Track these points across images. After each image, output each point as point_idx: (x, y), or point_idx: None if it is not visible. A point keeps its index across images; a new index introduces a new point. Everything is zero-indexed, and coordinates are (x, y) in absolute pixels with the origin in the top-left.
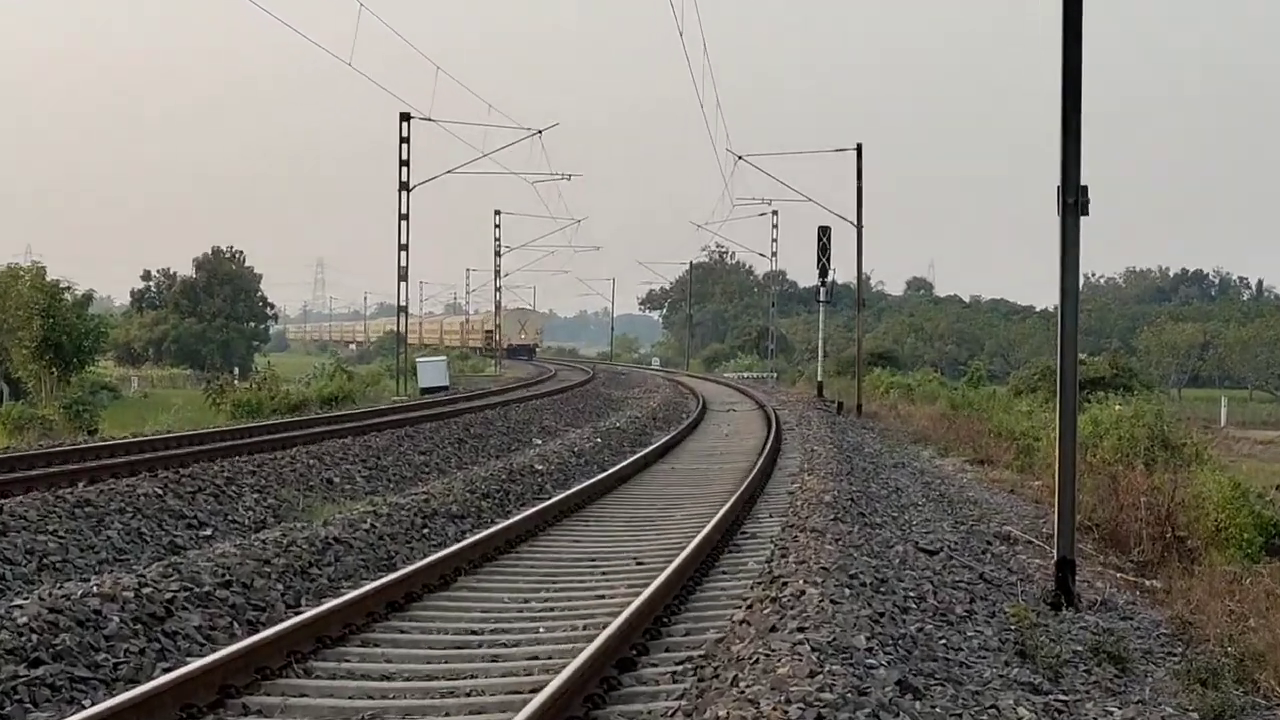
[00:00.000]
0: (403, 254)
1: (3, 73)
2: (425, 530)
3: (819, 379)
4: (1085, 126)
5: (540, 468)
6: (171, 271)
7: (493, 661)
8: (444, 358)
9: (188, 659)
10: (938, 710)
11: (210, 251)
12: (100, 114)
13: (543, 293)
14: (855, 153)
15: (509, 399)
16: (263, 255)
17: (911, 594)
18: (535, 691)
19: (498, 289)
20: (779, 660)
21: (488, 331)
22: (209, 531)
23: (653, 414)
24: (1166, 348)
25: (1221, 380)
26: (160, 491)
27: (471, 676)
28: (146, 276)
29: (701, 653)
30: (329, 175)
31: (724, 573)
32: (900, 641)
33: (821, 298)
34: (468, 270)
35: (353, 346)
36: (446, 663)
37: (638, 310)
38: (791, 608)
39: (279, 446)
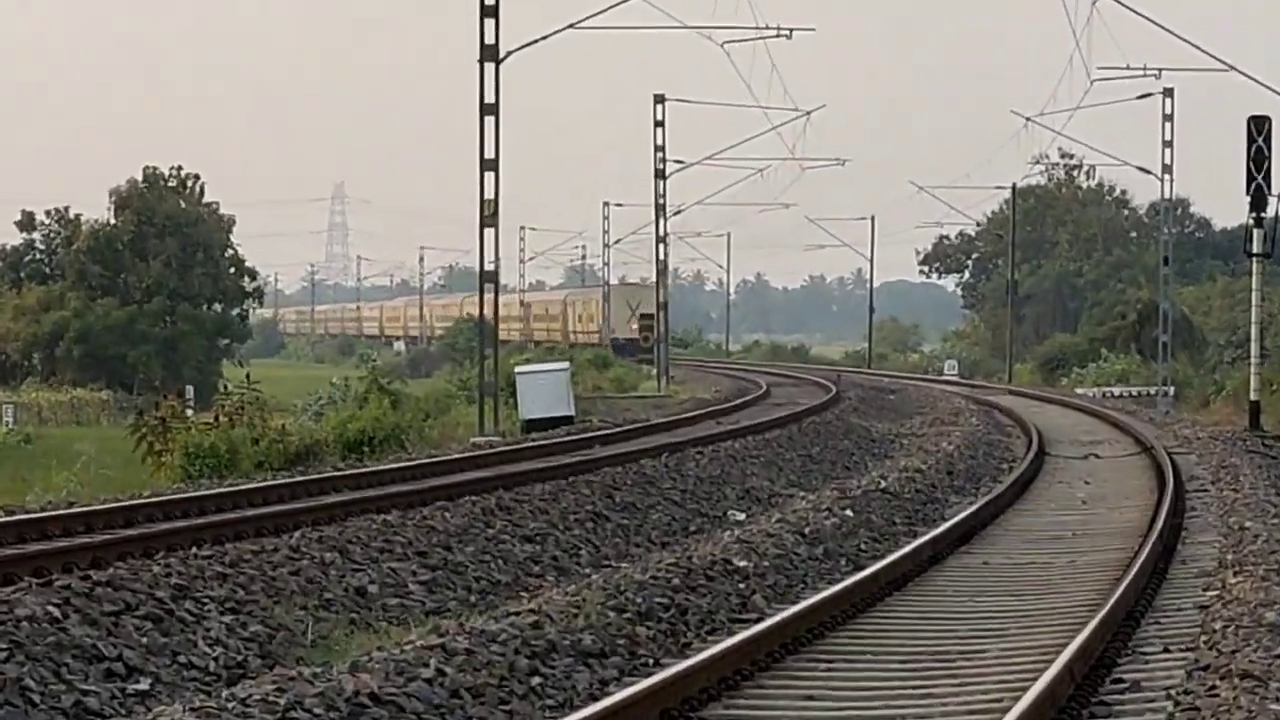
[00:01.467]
0: (487, 178)
1: None
2: (535, 682)
3: (1254, 397)
4: None
5: (742, 563)
6: (71, 213)
7: None
8: (565, 365)
9: None
10: None
11: (141, 178)
12: None
13: (748, 247)
14: None
15: (682, 437)
16: (238, 188)
17: None
18: None
19: (662, 240)
20: None
21: (593, 321)
22: (144, 684)
23: (947, 463)
24: None
25: None
26: (57, 613)
27: None
28: (26, 224)
29: None
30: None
31: None
32: None
33: (1257, 248)
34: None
35: (400, 346)
36: None
37: (916, 275)
38: None
39: (270, 529)
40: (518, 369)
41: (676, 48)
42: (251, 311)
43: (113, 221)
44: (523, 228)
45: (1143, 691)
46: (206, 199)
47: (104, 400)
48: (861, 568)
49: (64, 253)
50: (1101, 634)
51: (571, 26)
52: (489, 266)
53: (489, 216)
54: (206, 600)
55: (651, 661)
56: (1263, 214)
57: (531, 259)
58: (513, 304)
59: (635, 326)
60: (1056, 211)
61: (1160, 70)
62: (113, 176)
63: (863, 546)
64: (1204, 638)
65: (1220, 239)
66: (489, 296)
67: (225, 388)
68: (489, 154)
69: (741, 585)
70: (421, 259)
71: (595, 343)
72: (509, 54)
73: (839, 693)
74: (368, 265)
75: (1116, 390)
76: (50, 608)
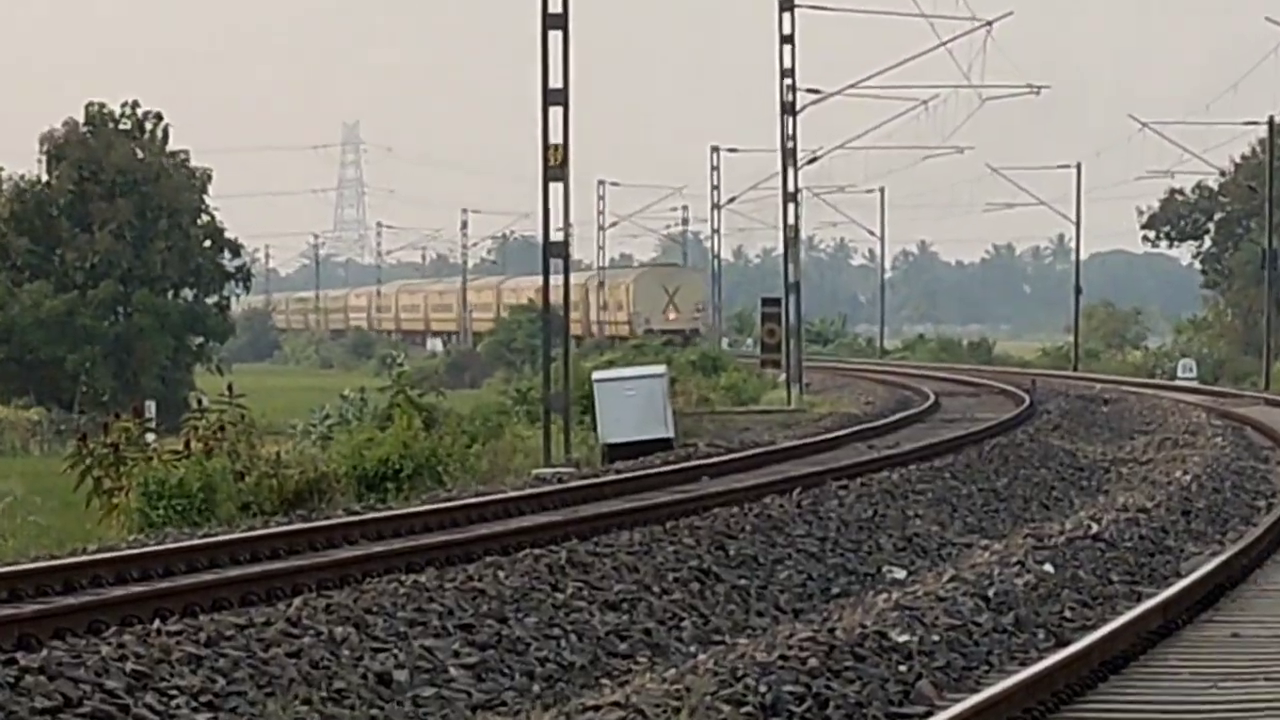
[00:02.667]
0: (552, 116)
1: None
2: None
3: None
4: None
5: (903, 638)
6: None
7: None
8: (661, 370)
9: None
10: None
11: (82, 119)
12: None
13: (907, 207)
14: None
15: (821, 467)
16: (214, 131)
17: None
18: None
19: (792, 198)
20: None
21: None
22: None
23: (1182, 499)
24: None
25: None
26: None
27: None
28: None
29: None
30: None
31: None
32: None
33: None
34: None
35: (435, 345)
36: None
37: (1138, 243)
38: None
39: (260, 595)
40: (596, 375)
41: None
42: (234, 300)
43: (44, 178)
44: (601, 183)
45: None
46: (171, 146)
47: (33, 421)
48: (1065, 643)
49: None
50: None
51: None
52: (555, 235)
53: (555, 167)
54: (174, 693)
55: None
56: None
57: (613, 224)
58: (525, 288)
59: (673, 316)
60: None
61: None
62: (44, 117)
63: (1067, 614)
64: None
65: None
66: (557, 276)
67: (199, 403)
68: (554, 82)
69: (902, 667)
70: (464, 226)
71: (626, 335)
72: None
73: None
74: (391, 235)
75: None
76: None
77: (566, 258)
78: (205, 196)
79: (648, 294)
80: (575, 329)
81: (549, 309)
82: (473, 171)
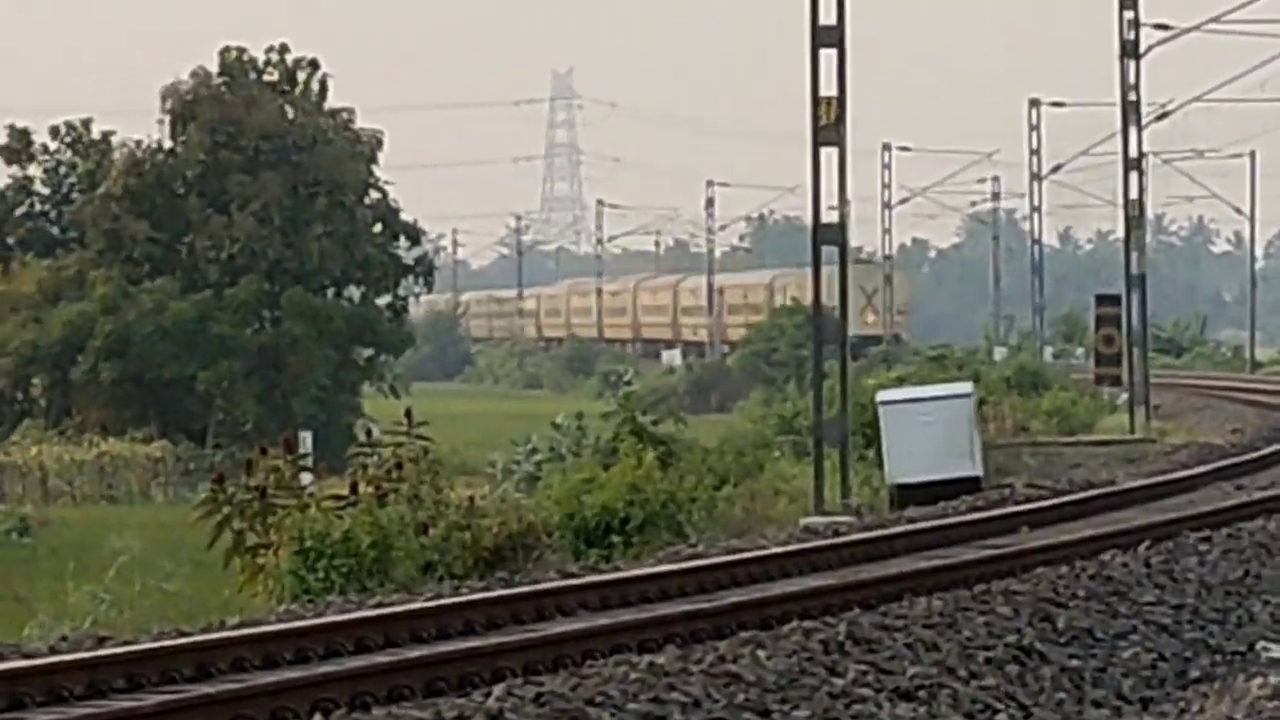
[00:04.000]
0: (823, 61)
1: None
2: None
3: None
4: None
5: None
6: (96, 131)
7: None
8: (966, 388)
9: None
10: None
11: (216, 69)
12: None
13: None
14: None
15: (1174, 513)
16: (386, 86)
17: None
18: None
19: (1134, 166)
20: None
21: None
22: None
23: None
24: None
25: None
26: None
27: None
28: (16, 151)
29: None
30: None
31: None
32: None
33: None
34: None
35: (672, 357)
36: None
37: None
38: None
39: (451, 681)
40: (882, 396)
41: None
42: (413, 301)
43: (168, 143)
44: (887, 148)
45: None
46: (330, 103)
47: (155, 458)
48: None
49: (84, 200)
50: None
51: None
52: (827, 214)
53: (827, 127)
54: None
55: None
56: None
57: (903, 201)
58: (660, 291)
59: (871, 319)
60: None
61: None
62: (168, 67)
63: None
64: None
65: None
66: (830, 267)
67: (369, 434)
68: (826, 18)
69: None
70: (710, 204)
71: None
72: None
73: None
74: (615, 217)
75: None
76: None
77: (844, 244)
78: (374, 167)
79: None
80: (689, 328)
81: (820, 310)
82: (720, 133)
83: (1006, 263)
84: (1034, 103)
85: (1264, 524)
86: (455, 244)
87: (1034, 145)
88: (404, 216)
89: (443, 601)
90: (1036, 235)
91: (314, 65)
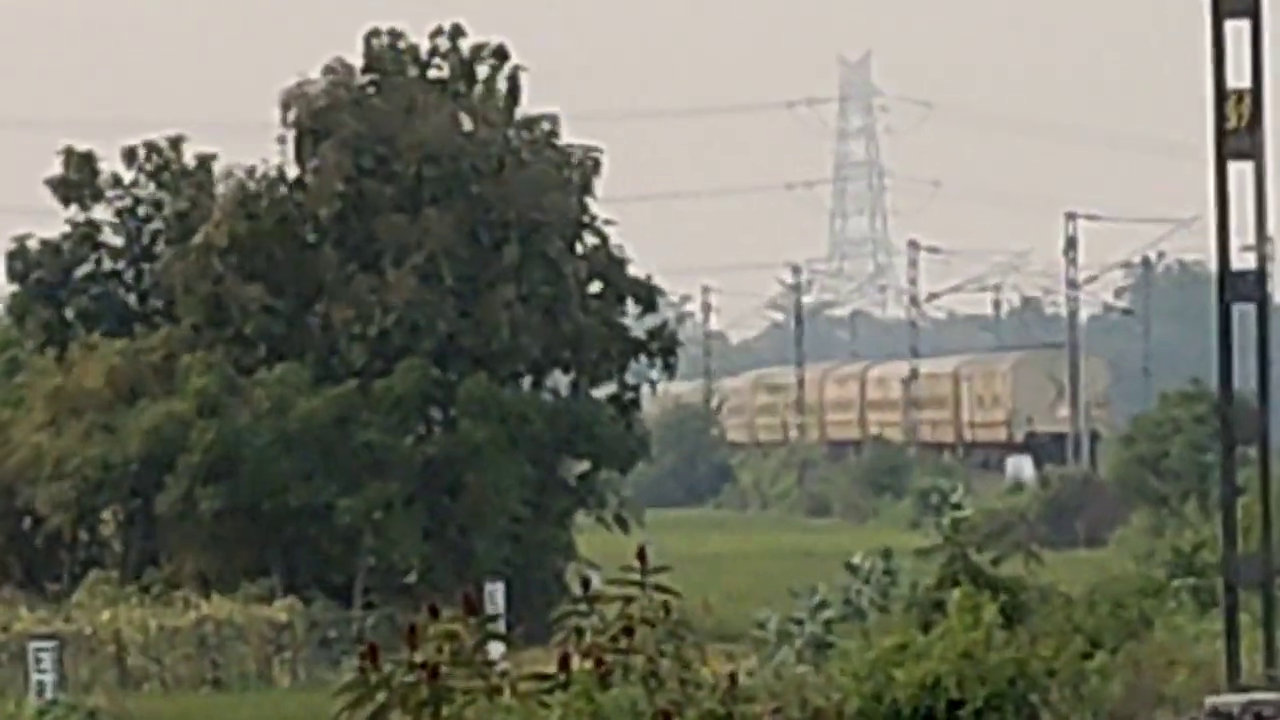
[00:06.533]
0: (1230, 34)
1: None
2: None
3: None
4: None
5: None
6: (189, 155)
7: None
8: None
9: None
10: None
11: (361, 59)
12: None
13: None
14: None
15: None
16: (593, 84)
17: None
18: None
19: None
20: None
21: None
22: None
23: None
24: None
25: None
26: None
27: None
28: (81, 171)
29: None
30: None
31: None
32: None
33: None
34: None
35: (1020, 465)
36: None
37: None
38: None
39: None
40: None
41: None
42: (649, 392)
43: (292, 171)
44: None
45: None
46: (524, 111)
47: (278, 623)
48: None
49: (173, 254)
50: None
51: None
52: (1241, 260)
53: (1236, 133)
54: None
55: None
56: None
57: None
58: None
59: (1064, 414)
60: None
61: None
62: (290, 63)
63: None
64: None
65: None
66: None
67: (585, 584)
68: None
69: None
70: (1071, 247)
71: (1002, 440)
72: None
73: None
74: (935, 266)
75: None
76: None
77: (1264, 300)
78: (590, 201)
79: (1030, 384)
80: (936, 433)
81: (1229, 398)
82: (1084, 144)
83: None
84: None
85: None
86: (707, 309)
87: None
88: (633, 271)
89: None
90: None
91: (500, 55)
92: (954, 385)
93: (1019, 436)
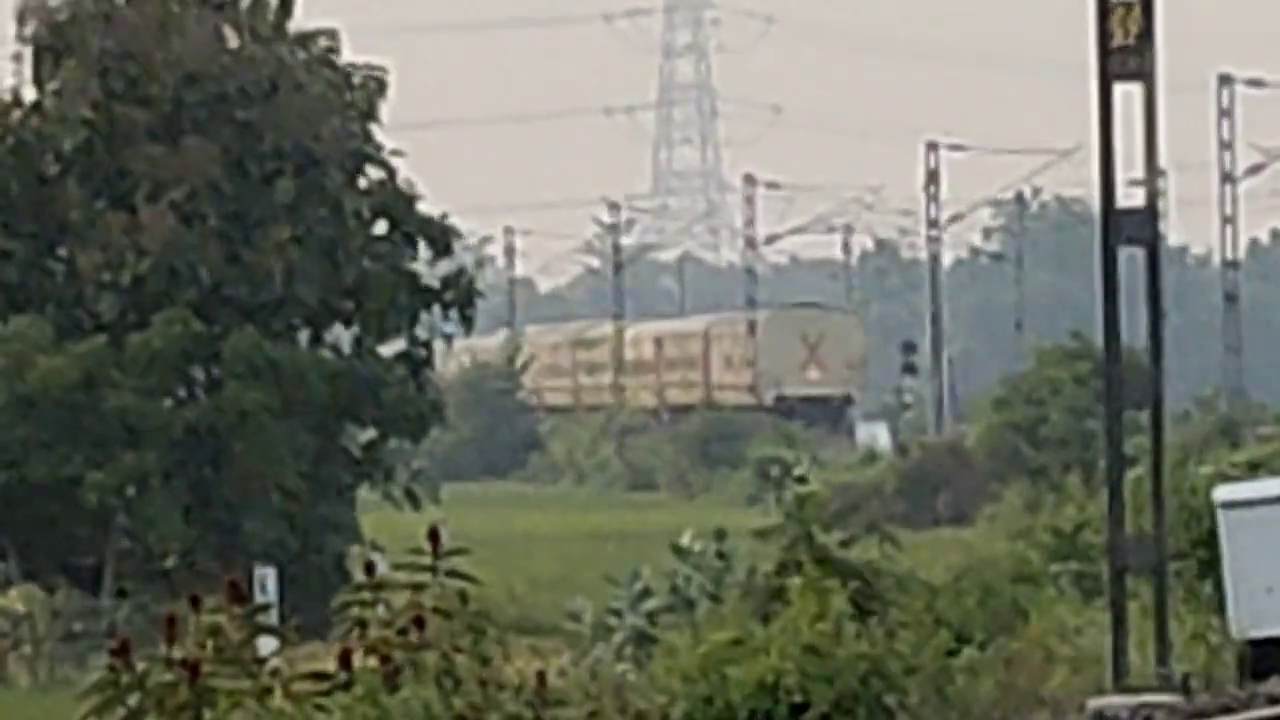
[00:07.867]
0: None
1: None
2: None
3: None
4: None
5: None
6: None
7: None
8: None
9: None
10: None
11: None
12: None
13: None
14: None
15: None
16: None
17: None
18: None
19: None
20: None
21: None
22: None
23: None
24: None
25: None
26: None
27: None
28: None
29: None
30: None
31: None
32: None
33: None
34: None
35: (879, 434)
36: None
37: None
38: None
39: None
40: (1223, 494)
41: None
42: (445, 349)
43: (30, 94)
44: (1226, 81)
45: None
46: (298, 25)
47: (18, 614)
48: None
49: None
50: None
51: None
52: (1128, 197)
53: (1124, 51)
54: None
55: None
56: None
57: (1253, 171)
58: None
59: (815, 376)
60: None
61: None
62: None
63: None
64: None
65: None
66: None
67: (369, 569)
68: None
69: None
70: (933, 181)
71: (750, 403)
72: None
73: None
74: (777, 204)
75: None
76: None
77: (1154, 241)
78: (374, 128)
79: (778, 344)
80: (683, 395)
81: (1116, 356)
82: (952, 64)
83: None
84: None
85: None
86: (511, 252)
87: None
88: (425, 209)
89: None
90: None
91: None
92: (704, 345)
93: (768, 400)
